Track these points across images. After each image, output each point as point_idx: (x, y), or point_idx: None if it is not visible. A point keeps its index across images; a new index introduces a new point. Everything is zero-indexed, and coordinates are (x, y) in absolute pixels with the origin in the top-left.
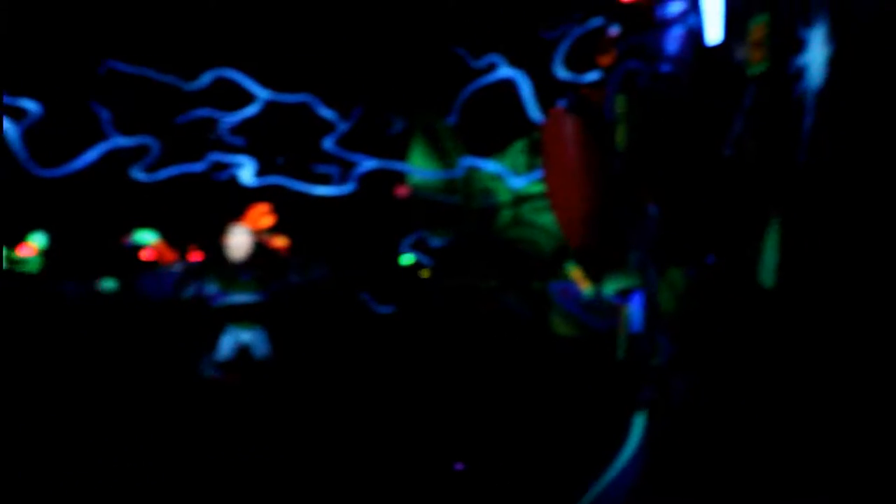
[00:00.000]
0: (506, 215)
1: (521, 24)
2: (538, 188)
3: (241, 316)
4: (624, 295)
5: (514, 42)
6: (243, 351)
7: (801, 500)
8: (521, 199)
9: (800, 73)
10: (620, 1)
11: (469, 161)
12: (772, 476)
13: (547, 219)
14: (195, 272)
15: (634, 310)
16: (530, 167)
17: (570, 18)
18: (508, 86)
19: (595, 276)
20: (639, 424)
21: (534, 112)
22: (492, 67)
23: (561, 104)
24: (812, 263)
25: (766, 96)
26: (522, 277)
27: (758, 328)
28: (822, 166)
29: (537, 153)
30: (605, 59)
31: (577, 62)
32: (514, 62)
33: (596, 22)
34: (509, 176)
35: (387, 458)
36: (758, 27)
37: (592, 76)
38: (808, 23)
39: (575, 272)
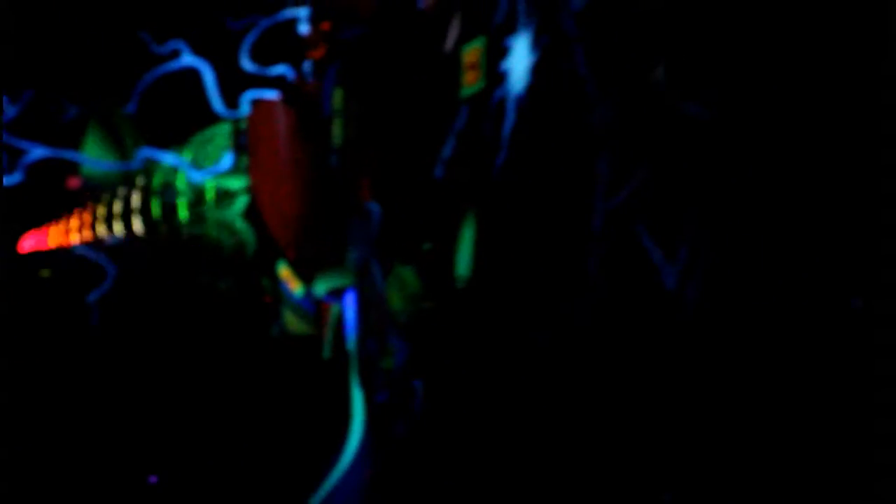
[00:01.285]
0: (185, 211)
1: (207, 11)
2: (224, 183)
3: None
4: (336, 294)
5: (199, 29)
6: None
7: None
8: (202, 194)
9: (502, 78)
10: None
11: (148, 152)
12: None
13: (230, 215)
14: None
15: (348, 309)
16: (218, 160)
17: (258, 9)
18: (192, 74)
19: (305, 276)
20: (358, 425)
21: (217, 103)
22: (175, 54)
23: (271, 95)
24: (503, 254)
25: (477, 117)
26: (247, 274)
27: (458, 320)
28: (517, 166)
29: (237, 146)
30: (317, 53)
31: (265, 54)
32: (199, 50)
33: (286, 14)
34: (190, 169)
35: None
36: (472, 51)
37: (279, 69)
38: (512, 30)
39: (285, 271)
